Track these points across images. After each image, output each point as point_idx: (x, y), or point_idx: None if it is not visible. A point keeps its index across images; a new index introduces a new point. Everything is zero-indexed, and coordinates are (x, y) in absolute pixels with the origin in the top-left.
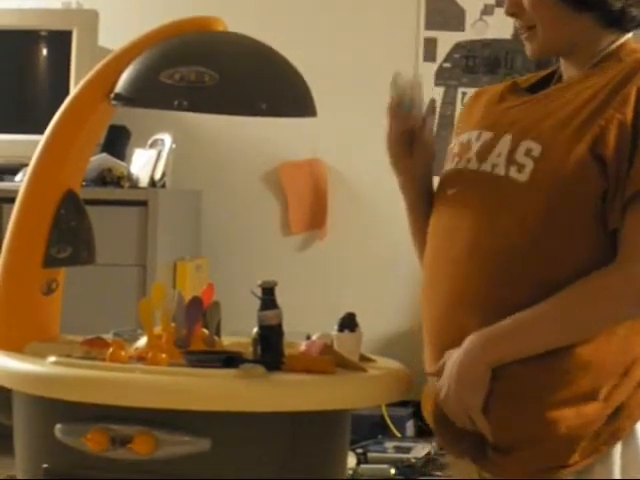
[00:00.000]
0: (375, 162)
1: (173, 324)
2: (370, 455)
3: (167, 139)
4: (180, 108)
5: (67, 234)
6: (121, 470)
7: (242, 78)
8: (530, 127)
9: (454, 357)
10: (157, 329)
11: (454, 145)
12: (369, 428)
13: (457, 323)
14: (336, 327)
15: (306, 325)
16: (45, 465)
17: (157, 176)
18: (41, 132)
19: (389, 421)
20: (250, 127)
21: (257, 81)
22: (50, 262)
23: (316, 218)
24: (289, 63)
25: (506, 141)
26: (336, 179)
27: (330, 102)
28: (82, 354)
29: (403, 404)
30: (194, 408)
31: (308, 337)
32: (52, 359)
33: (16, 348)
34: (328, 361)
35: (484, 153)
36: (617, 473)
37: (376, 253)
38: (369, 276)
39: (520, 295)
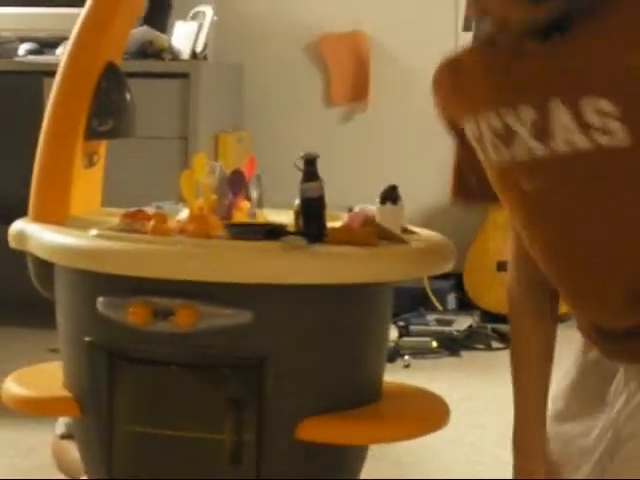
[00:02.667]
0: (417, 33)
1: (215, 197)
2: (412, 328)
3: (208, 11)
4: None
5: (108, 107)
6: (162, 343)
7: None
8: (579, 81)
9: None
10: (199, 201)
11: (478, 135)
12: (411, 301)
13: None
14: (378, 199)
15: (348, 197)
16: (87, 338)
17: (198, 48)
18: (81, 4)
19: (431, 294)
20: None
21: None
22: (91, 135)
23: (358, 90)
24: None
25: (557, 108)
26: (378, 51)
27: None
28: (124, 227)
29: (445, 277)
30: (236, 280)
31: (350, 209)
32: (94, 232)
33: (58, 221)
34: (370, 233)
35: (542, 132)
36: None
37: (418, 125)
38: (412, 148)
39: None
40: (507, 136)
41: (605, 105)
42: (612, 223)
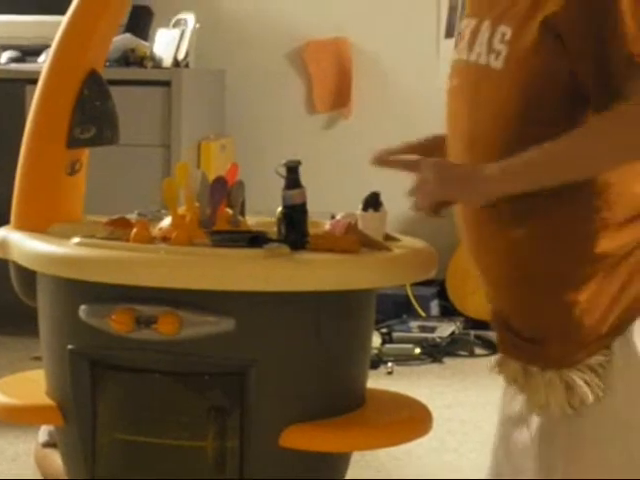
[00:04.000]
0: (400, 40)
1: (197, 204)
2: (395, 335)
3: (190, 18)
4: None
5: (90, 114)
6: (146, 350)
7: None
8: (506, 9)
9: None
10: (181, 209)
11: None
12: (394, 307)
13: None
14: (360, 206)
15: (330, 204)
16: (70, 346)
17: (180, 56)
18: (64, 12)
19: (414, 300)
20: (274, 5)
21: None
22: (74, 142)
23: (341, 97)
24: None
25: (486, 27)
26: (361, 57)
27: None
28: (106, 234)
29: (427, 283)
30: (218, 288)
31: (332, 216)
32: (76, 240)
33: (40, 229)
34: (353, 240)
35: (472, 42)
36: (637, 349)
37: (401, 131)
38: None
39: None
40: (461, 38)
41: (508, 33)
42: (464, 131)
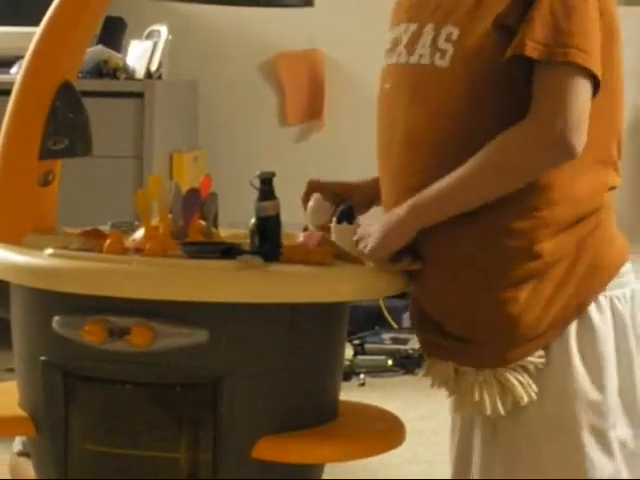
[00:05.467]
0: (373, 51)
1: (170, 216)
2: (367, 346)
3: (163, 30)
4: None
5: (63, 126)
6: (119, 362)
7: None
8: (451, 11)
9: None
10: (154, 220)
11: (388, 41)
12: (366, 319)
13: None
14: (334, 219)
15: (304, 216)
16: (43, 357)
17: (153, 67)
18: (37, 23)
19: (386, 313)
20: (247, 17)
21: None
22: (46, 154)
23: (313, 109)
24: None
25: (429, 30)
26: (334, 69)
27: None
28: (79, 246)
29: (400, 295)
30: (192, 299)
31: (305, 229)
32: (49, 251)
33: (13, 240)
34: (326, 253)
35: (412, 45)
36: (574, 353)
37: (373, 143)
38: (367, 167)
39: None
40: (396, 43)
41: (454, 32)
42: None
